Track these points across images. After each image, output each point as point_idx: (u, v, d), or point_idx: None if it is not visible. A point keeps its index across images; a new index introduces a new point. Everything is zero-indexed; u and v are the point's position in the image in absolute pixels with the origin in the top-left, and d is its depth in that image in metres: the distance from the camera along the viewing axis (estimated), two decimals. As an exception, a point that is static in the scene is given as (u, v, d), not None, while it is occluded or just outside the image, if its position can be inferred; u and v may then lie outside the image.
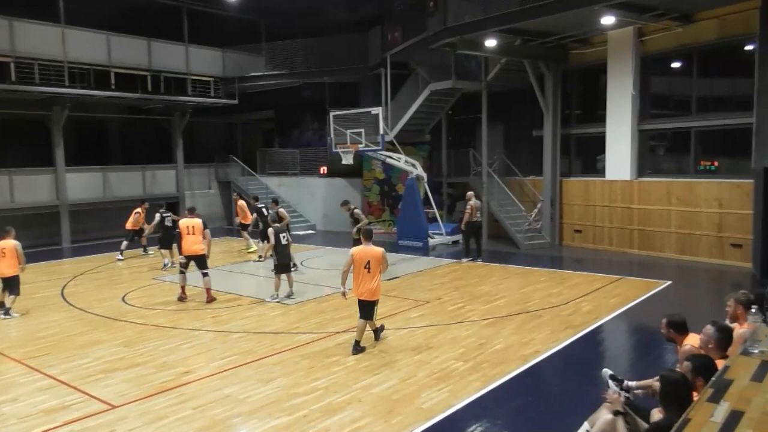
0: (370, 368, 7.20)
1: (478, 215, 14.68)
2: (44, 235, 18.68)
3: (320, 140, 22.86)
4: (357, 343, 7.84)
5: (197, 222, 10.80)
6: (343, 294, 8.12)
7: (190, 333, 8.89)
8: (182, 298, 10.80)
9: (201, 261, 10.72)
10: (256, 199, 16.35)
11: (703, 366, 4.08)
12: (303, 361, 7.52)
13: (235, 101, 22.02)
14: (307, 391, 6.51)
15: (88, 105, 20.08)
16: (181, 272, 10.90)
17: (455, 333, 8.60)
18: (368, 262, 7.74)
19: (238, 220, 17.33)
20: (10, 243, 10.06)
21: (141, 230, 15.99)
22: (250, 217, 16.42)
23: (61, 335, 8.97)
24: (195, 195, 22.92)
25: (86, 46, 18.35)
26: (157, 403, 6.30)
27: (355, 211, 12.69)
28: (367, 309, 7.92)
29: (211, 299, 10.67)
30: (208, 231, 10.83)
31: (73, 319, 9.92)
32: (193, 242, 10.70)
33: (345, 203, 13.06)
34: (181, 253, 10.98)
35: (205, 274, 10.71)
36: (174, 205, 22.34)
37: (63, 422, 5.88)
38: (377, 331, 8.32)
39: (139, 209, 15.96)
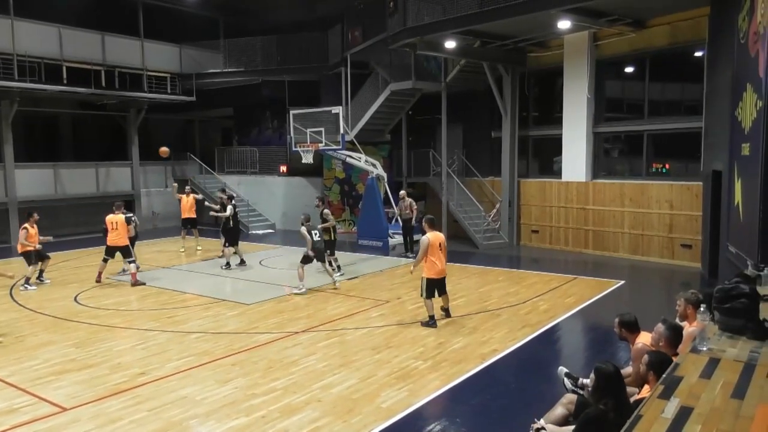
0: (329, 368, 7.18)
1: (407, 212, 15.62)
2: (-9, 233, 18.00)
3: (280, 139, 22.65)
4: (432, 317, 8.84)
5: (120, 218, 12.14)
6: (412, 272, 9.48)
7: (146, 333, 8.69)
8: (98, 281, 12.20)
9: (125, 251, 12.14)
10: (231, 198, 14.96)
11: (658, 362, 4.21)
12: (261, 361, 7.45)
13: (193, 98, 21.60)
14: (266, 392, 6.45)
15: (39, 99, 19.40)
16: (105, 260, 12.26)
17: (415, 332, 8.65)
18: (440, 244, 8.87)
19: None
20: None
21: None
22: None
23: (10, 336, 8.64)
24: (151, 193, 22.40)
25: (37, 38, 17.70)
26: (111, 405, 6.14)
27: (324, 211, 13.00)
28: (443, 285, 9.02)
29: (136, 283, 11.95)
30: (131, 227, 12.72)
31: (22, 320, 9.58)
32: (116, 236, 12.02)
33: (320, 199, 14.27)
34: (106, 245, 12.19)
35: (131, 262, 12.18)
36: (129, 204, 21.80)
37: (11, 426, 5.67)
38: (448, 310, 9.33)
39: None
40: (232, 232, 13.98)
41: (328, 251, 12.26)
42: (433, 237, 8.89)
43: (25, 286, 11.72)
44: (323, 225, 12.33)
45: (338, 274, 12.57)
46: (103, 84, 19.33)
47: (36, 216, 12.32)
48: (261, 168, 22.80)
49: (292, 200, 21.28)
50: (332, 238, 12.63)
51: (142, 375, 7.00)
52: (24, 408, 6.10)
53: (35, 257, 12.03)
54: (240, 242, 14.36)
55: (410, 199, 15.86)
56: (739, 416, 2.87)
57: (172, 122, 25.70)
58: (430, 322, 8.84)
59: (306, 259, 11.30)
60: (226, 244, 13.89)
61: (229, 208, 13.98)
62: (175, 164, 23.46)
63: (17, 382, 6.82)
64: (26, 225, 12.04)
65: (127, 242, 12.27)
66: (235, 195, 16.26)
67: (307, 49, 21.23)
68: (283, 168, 21.80)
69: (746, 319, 4.06)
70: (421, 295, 8.98)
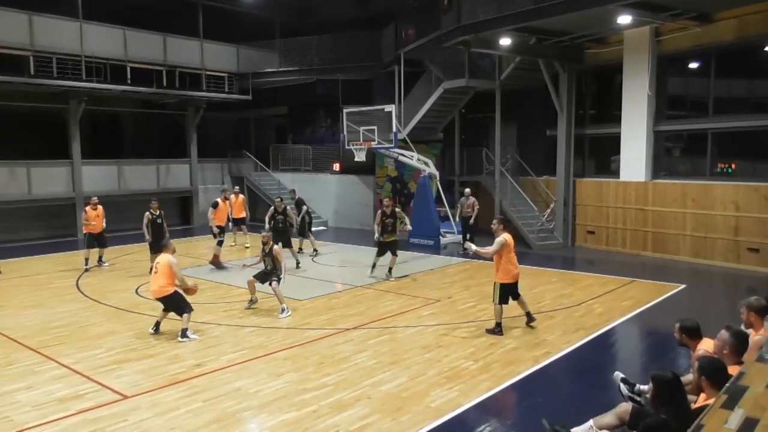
0: (380, 366, 7.21)
1: (468, 211, 15.95)
2: (60, 226, 18.90)
3: (333, 137, 22.86)
4: (499, 324, 8.43)
5: (100, 210, 13.65)
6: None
7: (202, 326, 8.94)
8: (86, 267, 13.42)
9: (101, 239, 13.77)
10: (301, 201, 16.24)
11: (711, 368, 4.05)
12: (313, 356, 7.55)
13: (249, 97, 22.09)
14: (317, 387, 6.54)
15: (104, 99, 20.22)
16: (89, 246, 13.59)
17: (466, 332, 8.59)
18: (513, 246, 8.45)
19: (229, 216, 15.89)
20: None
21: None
22: (244, 212, 16.64)
23: (75, 325, 9.07)
24: (208, 189, 23.02)
25: (103, 40, 18.48)
26: (169, 395, 6.35)
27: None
28: (517, 289, 8.66)
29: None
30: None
31: (87, 310, 10.03)
32: (97, 225, 13.55)
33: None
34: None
35: (102, 245, 13.88)
36: (187, 199, 22.49)
37: (76, 411, 5.95)
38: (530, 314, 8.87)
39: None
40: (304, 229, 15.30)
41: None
42: (509, 238, 8.38)
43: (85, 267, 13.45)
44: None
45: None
46: (164, 83, 20.01)
47: (94, 199, 13.91)
48: (314, 166, 23.12)
49: (344, 198, 21.47)
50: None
51: (198, 366, 7.21)
52: (89, 394, 6.39)
53: (91, 240, 13.54)
54: (297, 239, 14.78)
55: (473, 198, 16.07)
56: (810, 430, 2.72)
57: (228, 120, 26.37)
58: (497, 330, 8.40)
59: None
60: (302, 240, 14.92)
61: (304, 208, 15.05)
62: (231, 162, 24.07)
63: (82, 369, 7.14)
64: (85, 208, 13.85)
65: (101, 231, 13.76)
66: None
67: (360, 47, 21.37)
68: (336, 166, 22.01)
69: (819, 328, 3.85)
70: (493, 301, 8.51)
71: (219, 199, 14.54)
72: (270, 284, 9.69)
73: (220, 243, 13.95)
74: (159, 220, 12.95)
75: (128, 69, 19.04)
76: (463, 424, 5.76)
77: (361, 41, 21.40)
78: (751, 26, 12.91)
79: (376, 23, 20.91)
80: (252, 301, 10.05)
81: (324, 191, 22.19)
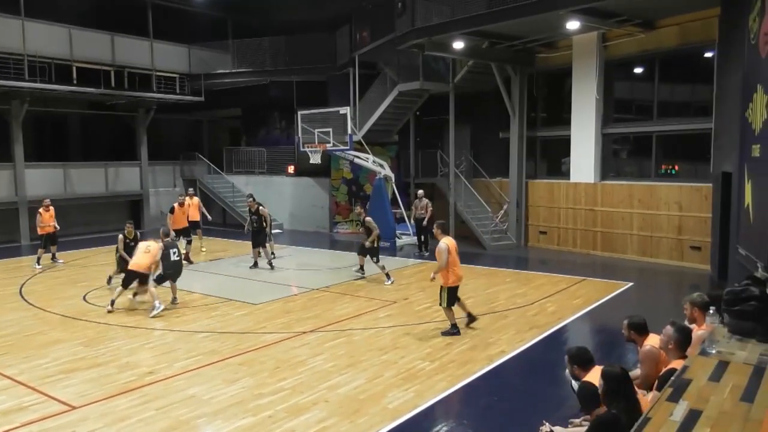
0: (336, 368, 7.18)
1: (421, 212, 16.01)
2: (2, 232, 18.12)
3: (288, 139, 22.69)
4: (455, 326, 8.51)
5: (52, 211, 14.19)
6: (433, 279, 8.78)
7: (154, 333, 8.73)
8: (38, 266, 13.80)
9: (54, 238, 14.28)
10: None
11: (578, 356, 4.88)
12: (269, 361, 7.47)
13: (201, 98, 21.70)
14: (273, 392, 6.47)
15: (49, 99, 19.54)
16: (44, 247, 14.07)
17: (422, 333, 8.64)
18: (456, 249, 8.61)
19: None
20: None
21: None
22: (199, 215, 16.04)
23: (19, 335, 8.71)
24: (159, 193, 22.51)
25: (47, 39, 17.84)
26: (120, 404, 6.17)
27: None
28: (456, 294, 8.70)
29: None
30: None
31: (32, 318, 9.65)
32: (47, 225, 14.09)
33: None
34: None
35: (54, 243, 14.34)
36: (137, 203, 21.91)
37: (21, 423, 5.71)
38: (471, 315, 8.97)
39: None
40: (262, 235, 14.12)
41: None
42: (451, 243, 8.57)
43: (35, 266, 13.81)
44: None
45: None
46: (113, 84, 19.45)
47: (47, 201, 14.50)
48: (269, 168, 22.86)
49: (299, 201, 21.32)
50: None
51: (150, 374, 7.03)
52: (33, 406, 6.14)
53: (46, 241, 14.11)
54: (246, 242, 14.49)
55: (427, 200, 16.15)
56: (749, 420, 2.85)
57: (181, 122, 25.84)
58: (453, 331, 8.49)
59: (160, 279, 10.39)
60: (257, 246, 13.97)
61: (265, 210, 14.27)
62: (184, 164, 23.59)
63: (27, 380, 6.86)
64: (39, 210, 14.26)
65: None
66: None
67: (315, 49, 21.28)
68: (291, 168, 21.85)
69: (756, 321, 4.04)
70: (441, 305, 8.56)
71: (176, 204, 14.51)
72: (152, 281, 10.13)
73: (189, 242, 14.58)
74: (132, 243, 12.36)
75: (74, 69, 18.44)
76: (420, 424, 5.79)
77: (316, 43, 21.31)
78: (691, 33, 13.45)
79: (331, 25, 20.87)
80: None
81: (279, 194, 21.96)
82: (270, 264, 13.63)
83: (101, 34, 19.26)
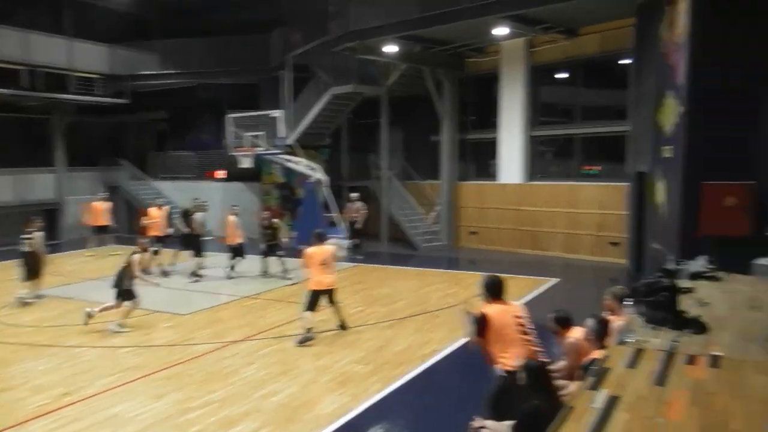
0: (269, 377, 7.05)
1: (354, 215, 15.97)
2: None
3: (217, 143, 22.17)
4: (310, 330, 8.42)
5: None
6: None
7: (72, 351, 8.24)
8: None
9: None
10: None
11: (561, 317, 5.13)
12: (197, 373, 7.24)
13: (125, 100, 20.83)
14: (202, 405, 6.27)
15: (-47, 101, 18.27)
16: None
17: (356, 336, 8.63)
18: (325, 260, 8.64)
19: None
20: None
21: None
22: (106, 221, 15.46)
23: None
24: (78, 201, 21.38)
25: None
26: (32, 430, 5.79)
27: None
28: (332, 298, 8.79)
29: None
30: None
31: (-66, 339, 8.95)
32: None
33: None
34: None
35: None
36: (52, 212, 20.72)
37: None
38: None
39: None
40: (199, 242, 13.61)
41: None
42: (318, 250, 8.66)
43: None
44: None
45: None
46: (26, 85, 18.35)
47: None
48: (198, 173, 22.24)
49: (230, 206, 20.81)
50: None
51: (67, 395, 6.61)
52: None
53: None
54: (172, 250, 13.94)
55: (360, 202, 16.10)
56: (661, 402, 3.02)
57: (102, 126, 24.69)
58: (308, 335, 8.36)
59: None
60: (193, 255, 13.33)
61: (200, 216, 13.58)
62: (105, 170, 22.55)
63: (-71, 404, 6.36)
64: None
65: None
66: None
67: (246, 51, 20.84)
68: (221, 173, 21.34)
69: (667, 311, 4.28)
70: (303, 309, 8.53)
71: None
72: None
73: (156, 252, 13.63)
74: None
75: (-18, 68, 17.32)
76: (355, 427, 5.77)
77: (247, 45, 20.88)
78: (611, 41, 14.10)
79: (263, 27, 20.53)
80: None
81: (208, 199, 21.30)
82: (196, 274, 13.23)
83: (13, 31, 18.08)
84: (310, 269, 8.59)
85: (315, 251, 8.68)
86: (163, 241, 14.27)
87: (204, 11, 21.25)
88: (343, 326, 8.86)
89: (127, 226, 20.97)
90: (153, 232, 14.01)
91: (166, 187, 21.94)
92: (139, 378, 7.13)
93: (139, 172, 22.64)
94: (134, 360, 7.81)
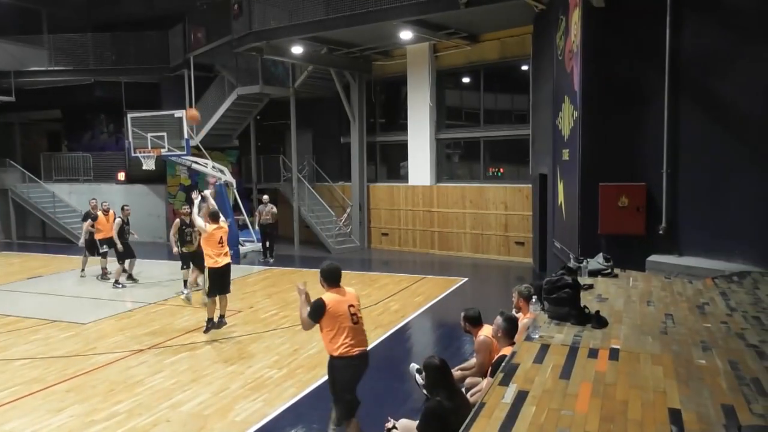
0: (179, 385, 6.82)
1: (267, 218, 15.79)
2: None
3: (117, 144, 21.08)
4: (210, 320, 8.65)
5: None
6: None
7: (-43, 366, 7.62)
8: None
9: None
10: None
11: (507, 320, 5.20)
12: (101, 384, 6.88)
13: (11, 98, 19.35)
14: (107, 417, 5.97)
15: None
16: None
17: (269, 341, 8.51)
18: (221, 238, 8.70)
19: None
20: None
21: None
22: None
23: None
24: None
25: None
26: None
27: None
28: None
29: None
30: None
31: None
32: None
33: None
34: None
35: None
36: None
37: None
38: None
39: None
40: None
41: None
42: (216, 227, 8.64)
43: None
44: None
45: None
46: None
47: None
48: (96, 175, 21.02)
49: (133, 210, 19.69)
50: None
51: (-46, 413, 6.12)
52: None
53: None
54: (71, 256, 13.18)
55: (272, 205, 15.92)
56: (567, 394, 3.21)
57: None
58: (209, 325, 8.67)
59: None
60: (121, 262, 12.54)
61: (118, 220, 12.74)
62: (-9, 172, 20.85)
63: None
64: None
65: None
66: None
67: (145, 48, 19.95)
68: (122, 175, 20.31)
69: (570, 306, 4.55)
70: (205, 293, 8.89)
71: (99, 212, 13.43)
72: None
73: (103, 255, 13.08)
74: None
75: None
76: (269, 434, 5.70)
77: (146, 42, 19.99)
78: (510, 48, 14.77)
79: (163, 24, 19.74)
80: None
81: (109, 203, 20.28)
82: (104, 277, 12.77)
83: None
84: (208, 248, 8.61)
85: (218, 227, 8.71)
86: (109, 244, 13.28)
87: (97, 5, 20.15)
88: (218, 324, 8.71)
89: (16, 231, 19.58)
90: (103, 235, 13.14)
91: (62, 189, 20.62)
92: (36, 392, 6.67)
93: (29, 174, 21.08)
94: (30, 373, 7.29)
